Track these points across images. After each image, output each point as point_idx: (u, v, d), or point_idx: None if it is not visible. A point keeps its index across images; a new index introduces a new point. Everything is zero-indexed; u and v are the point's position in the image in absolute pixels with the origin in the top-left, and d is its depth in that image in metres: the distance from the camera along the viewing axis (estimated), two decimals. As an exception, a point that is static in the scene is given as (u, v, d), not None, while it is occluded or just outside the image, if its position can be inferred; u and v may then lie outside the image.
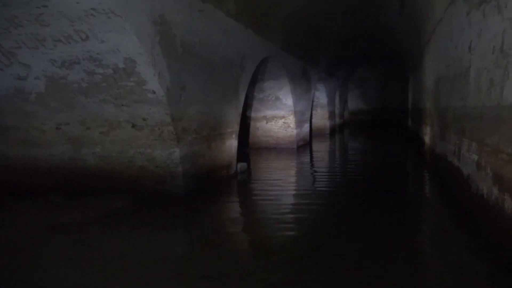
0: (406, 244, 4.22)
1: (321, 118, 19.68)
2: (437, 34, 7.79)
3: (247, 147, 13.08)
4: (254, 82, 12.10)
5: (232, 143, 7.98)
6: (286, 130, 13.25)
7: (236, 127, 8.14)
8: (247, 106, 12.79)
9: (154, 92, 5.50)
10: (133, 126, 5.98)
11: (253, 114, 13.22)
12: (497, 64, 3.73)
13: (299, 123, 13.65)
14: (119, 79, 5.46)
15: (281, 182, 7.78)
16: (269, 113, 13.09)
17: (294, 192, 7.09)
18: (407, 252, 3.97)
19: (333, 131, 21.05)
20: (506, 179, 3.47)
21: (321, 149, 14.26)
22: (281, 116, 13.09)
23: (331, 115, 20.69)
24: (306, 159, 11.57)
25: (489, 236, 3.94)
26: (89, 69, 5.40)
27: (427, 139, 9.98)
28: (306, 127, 14.95)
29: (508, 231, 3.38)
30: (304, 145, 14.39)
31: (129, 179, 6.23)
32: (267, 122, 13.27)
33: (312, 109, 16.54)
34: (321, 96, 19.11)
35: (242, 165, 8.53)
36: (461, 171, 5.39)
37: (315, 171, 9.50)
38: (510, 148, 3.35)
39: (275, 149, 13.01)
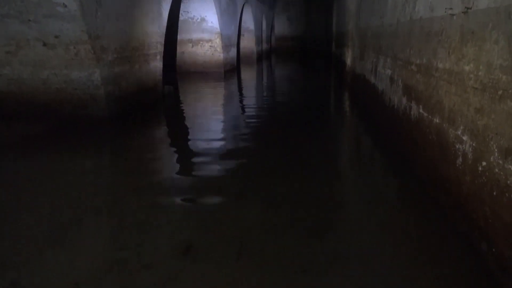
0: (327, 154, 4.58)
1: (248, 43, 19.43)
2: (361, -47, 7.81)
3: (174, 71, 12.69)
4: (178, 1, 11.40)
5: (156, 65, 7.68)
6: (212, 54, 12.96)
7: (160, 48, 7.79)
8: (172, 29, 12.15)
9: (65, 6, 5.00)
10: (45, 44, 5.47)
11: (178, 37, 12.65)
12: (412, -21, 3.89)
13: (225, 47, 13.39)
14: (22, -10, 4.86)
15: (208, 106, 7.78)
16: (194, 36, 12.63)
17: (221, 116, 7.15)
18: (329, 162, 4.33)
19: (260, 57, 21.00)
20: (413, 89, 3.81)
21: (248, 74, 14.29)
22: (207, 39, 12.71)
23: (258, 40, 20.48)
24: (234, 83, 11.57)
25: (398, 141, 4.40)
26: (-16, -24, 4.72)
27: (348, 61, 10.39)
28: (233, 52, 14.74)
29: (413, 132, 3.79)
30: (232, 70, 14.29)
31: (45, 104, 5.82)
32: (193, 46, 12.84)
33: (239, 33, 16.21)
34: (248, 20, 18.69)
35: (168, 88, 8.34)
36: (377, 87, 5.78)
37: (243, 95, 9.59)
38: (419, 60, 3.64)
39: (202, 73, 12.78)
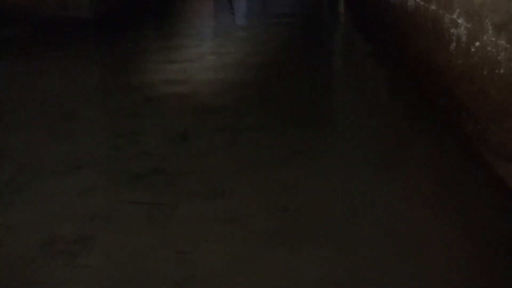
0: (320, 52, 4.53)
1: None
2: None
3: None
4: None
5: (140, -36, 7.17)
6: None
7: None
8: None
9: None
10: None
11: None
12: None
13: None
14: None
15: (198, 14, 7.41)
16: None
17: (212, 19, 6.86)
18: (323, 58, 4.29)
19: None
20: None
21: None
22: None
23: None
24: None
25: (391, 37, 4.32)
26: None
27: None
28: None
29: (408, 24, 3.72)
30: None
31: (25, 5, 5.53)
32: None
33: None
34: None
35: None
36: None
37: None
38: None
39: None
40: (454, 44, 2.62)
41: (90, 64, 4.30)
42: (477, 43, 2.27)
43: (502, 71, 1.98)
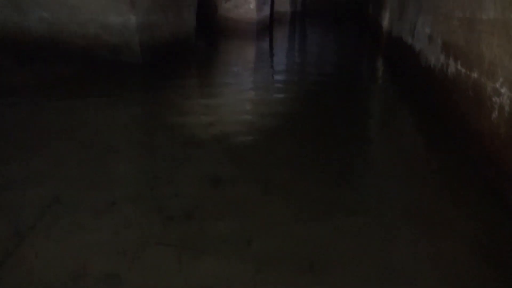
0: (357, 114, 4.56)
1: (283, 4, 18.94)
2: None
3: (206, 27, 12.60)
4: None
5: (190, 17, 7.66)
6: (245, 11, 12.74)
7: (194, 0, 7.73)
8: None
9: None
10: (83, -12, 5.54)
11: (212, -8, 12.48)
12: None
13: (259, 6, 13.11)
14: None
15: (239, 60, 7.75)
16: (228, -8, 12.40)
17: (251, 71, 7.13)
18: (359, 122, 4.31)
19: (293, 17, 20.50)
20: (453, 45, 3.69)
21: (281, 33, 14.05)
22: (242, -4, 12.46)
23: (293, 1, 19.92)
24: (266, 42, 11.42)
25: (432, 101, 4.31)
26: None
27: (385, 23, 10.03)
28: (266, 11, 14.43)
29: (449, 90, 3.71)
30: (264, 29, 14.06)
31: (82, 48, 5.96)
32: (226, 2, 12.64)
33: (273, -8, 15.81)
34: (283, -21, 18.13)
35: (201, 42, 8.33)
36: (414, 48, 5.61)
37: (274, 54, 9.47)
38: (462, 13, 3.50)
39: (234, 31, 12.64)
40: (496, 112, 2.58)
41: (135, 104, 4.50)
42: (521, 114, 2.23)
43: (548, 143, 1.93)
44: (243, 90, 5.32)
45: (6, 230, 2.02)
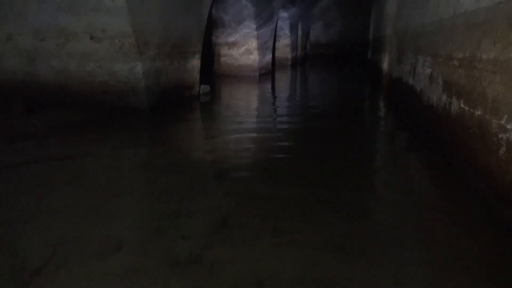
0: (361, 153, 4.56)
1: (284, 49, 19.53)
2: (402, -45, 7.74)
3: (210, 72, 12.93)
4: (217, 3, 11.69)
5: (195, 64, 7.88)
6: (248, 57, 13.12)
7: (199, 47, 7.99)
8: (210, 31, 12.43)
9: (113, 0, 5.25)
10: (92, 37, 5.75)
11: (215, 40, 12.93)
12: (456, -26, 3.85)
13: (261, 51, 13.52)
14: (75, -16, 5.15)
15: (242, 106, 7.87)
16: (231, 39, 12.83)
17: (254, 116, 7.22)
18: (364, 159, 4.30)
19: (294, 62, 21.05)
20: (454, 84, 3.75)
21: (282, 79, 14.35)
22: (244, 42, 12.89)
23: (293, 46, 20.55)
24: (268, 87, 11.65)
25: (436, 139, 4.32)
26: (41, -29, 5.04)
27: (385, 66, 10.27)
28: (268, 56, 14.85)
29: (453, 128, 3.72)
30: (266, 74, 14.40)
31: (89, 94, 6.10)
32: (229, 48, 13.05)
33: (275, 39, 16.34)
34: (284, 26, 18.81)
35: (204, 87, 8.51)
36: (415, 88, 5.70)
37: (276, 98, 9.64)
38: (461, 54, 3.59)
39: (237, 76, 12.95)
40: (504, 148, 2.58)
41: (140, 146, 4.53)
42: (530, 149, 2.22)
43: (560, 178, 1.90)
44: (247, 131, 5.37)
45: (10, 277, 1.96)
